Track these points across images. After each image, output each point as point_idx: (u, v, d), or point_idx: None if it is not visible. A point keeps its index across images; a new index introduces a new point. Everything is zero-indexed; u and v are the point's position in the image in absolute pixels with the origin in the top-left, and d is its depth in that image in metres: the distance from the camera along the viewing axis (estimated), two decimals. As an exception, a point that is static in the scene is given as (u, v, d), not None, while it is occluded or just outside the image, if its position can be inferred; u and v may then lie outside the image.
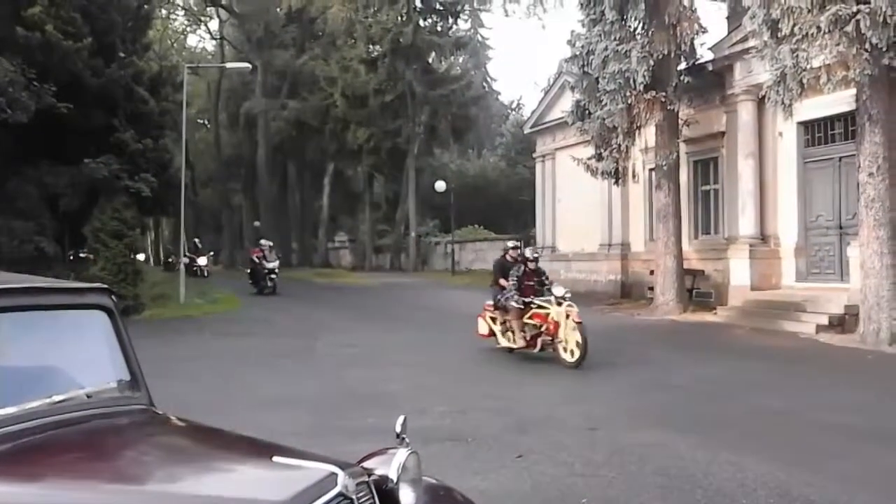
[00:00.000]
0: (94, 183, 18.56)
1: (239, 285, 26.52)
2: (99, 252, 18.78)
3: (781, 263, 16.60)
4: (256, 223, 46.88)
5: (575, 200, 23.90)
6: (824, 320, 13.55)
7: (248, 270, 26.63)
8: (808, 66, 12.12)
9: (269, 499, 2.04)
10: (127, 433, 2.74)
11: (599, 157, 18.07)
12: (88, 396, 2.79)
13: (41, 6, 17.81)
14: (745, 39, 15.71)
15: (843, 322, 13.38)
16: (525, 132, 30.03)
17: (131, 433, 2.75)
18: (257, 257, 25.21)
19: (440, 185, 35.55)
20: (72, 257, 20.83)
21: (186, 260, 29.73)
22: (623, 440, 6.56)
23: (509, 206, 43.03)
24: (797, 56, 12.11)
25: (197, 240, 41.89)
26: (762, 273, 16.44)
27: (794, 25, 11.93)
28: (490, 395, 8.72)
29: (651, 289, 18.48)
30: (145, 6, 23.16)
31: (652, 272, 18.38)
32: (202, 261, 35.58)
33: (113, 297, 3.04)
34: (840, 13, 11.29)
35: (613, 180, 18.79)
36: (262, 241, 26.91)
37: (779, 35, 12.37)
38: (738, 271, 16.60)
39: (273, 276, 24.48)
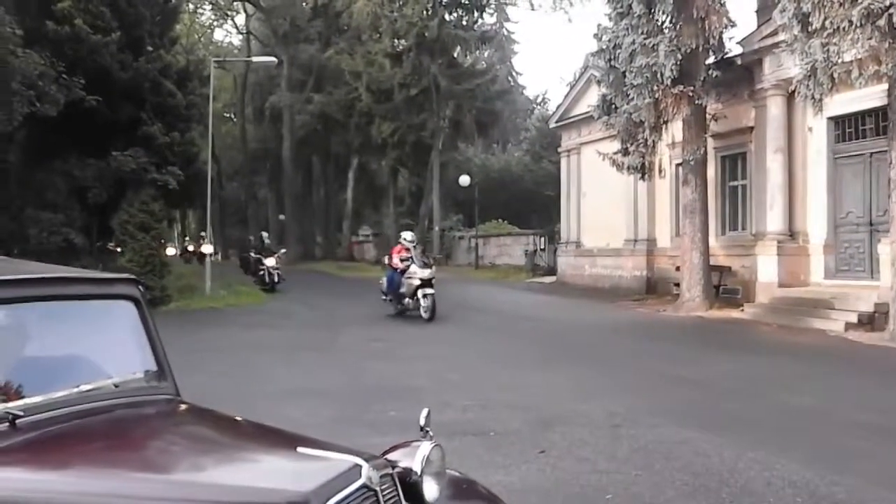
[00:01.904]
0: (122, 175, 18.79)
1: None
2: (126, 244, 18.98)
3: (810, 260, 16.39)
4: (281, 216, 47.15)
5: (600, 195, 23.78)
6: (853, 318, 13.37)
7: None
8: (839, 61, 11.94)
9: (293, 489, 2.04)
10: (153, 422, 2.76)
11: (625, 152, 17.94)
12: (115, 386, 2.81)
13: (70, 0, 18.01)
14: (774, 33, 15.51)
15: (873, 320, 13.19)
16: (550, 127, 29.92)
17: (157, 422, 2.77)
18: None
19: (464, 180, 35.51)
20: (99, 249, 21.06)
21: (251, 257, 27.27)
22: (647, 437, 6.50)
23: (533, 201, 42.89)
24: (828, 50, 11.93)
25: (265, 234, 32.71)
26: (790, 270, 16.25)
27: (826, 19, 11.76)
28: (510, 388, 8.69)
29: (677, 285, 18.35)
30: (173, 0, 23.34)
31: (678, 268, 18.25)
32: (271, 261, 24.44)
33: (140, 287, 3.06)
34: (872, 7, 11.10)
35: (639, 175, 18.65)
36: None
37: (809, 29, 12.20)
38: (766, 268, 16.42)
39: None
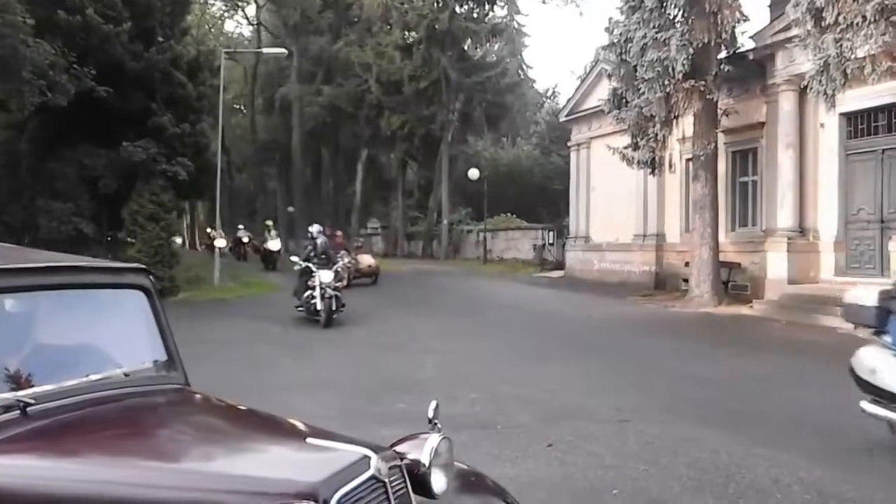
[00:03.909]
0: (132, 166, 18.85)
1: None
2: (136, 234, 19.08)
3: (820, 257, 16.30)
4: (290, 208, 47.23)
5: (609, 190, 23.71)
6: (863, 315, 13.27)
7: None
8: (853, 56, 11.85)
9: (303, 479, 2.05)
10: (163, 411, 2.78)
11: (636, 147, 17.86)
12: (125, 375, 2.83)
13: (82, -10, 18.04)
14: (787, 28, 15.40)
15: (883, 318, 13.10)
16: (560, 120, 29.80)
17: (167, 412, 2.78)
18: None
19: (473, 173, 35.48)
20: (109, 239, 21.16)
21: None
22: (654, 432, 6.50)
23: (543, 195, 42.79)
24: (841, 45, 11.84)
25: (269, 223, 36.73)
26: (800, 266, 16.16)
27: (839, 14, 11.68)
28: (517, 382, 8.68)
29: (686, 280, 18.28)
30: (184, -9, 23.35)
31: (687, 264, 18.18)
32: (327, 276, 14.47)
33: (151, 277, 3.07)
34: (886, 2, 11.02)
35: (649, 170, 18.57)
36: (269, 223, 32.97)
37: (822, 24, 12.11)
38: (776, 264, 16.34)
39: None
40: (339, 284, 15.21)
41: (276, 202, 51.50)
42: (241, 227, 40.15)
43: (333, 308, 13.92)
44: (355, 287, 21.15)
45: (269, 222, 33.42)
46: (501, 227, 38.17)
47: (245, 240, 36.59)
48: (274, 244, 30.26)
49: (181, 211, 42.24)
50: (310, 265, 14.49)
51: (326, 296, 13.82)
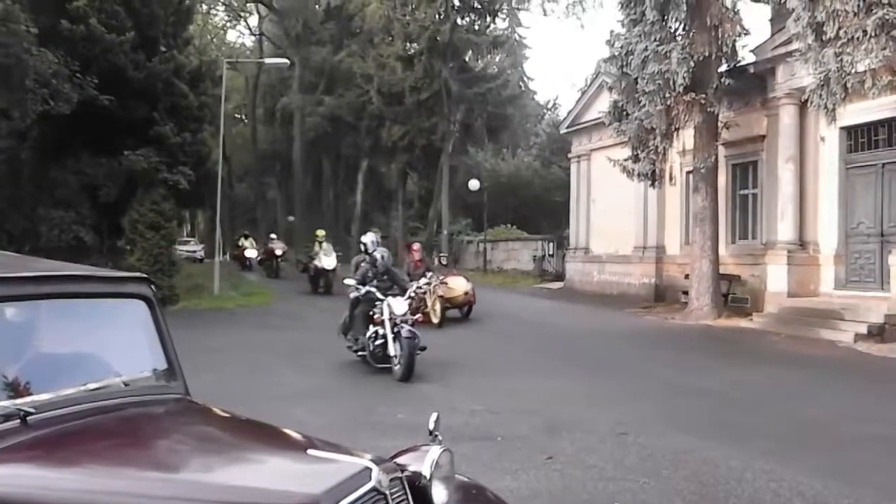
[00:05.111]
0: (133, 174, 18.88)
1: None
2: (136, 242, 19.07)
3: (820, 270, 16.30)
4: (290, 218, 47.24)
5: (610, 202, 23.73)
6: (863, 329, 13.27)
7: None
8: (853, 70, 11.90)
9: (304, 491, 2.04)
10: (163, 421, 2.77)
11: (636, 159, 17.89)
12: (126, 384, 2.83)
13: (85, -1, 18.14)
14: (788, 42, 15.45)
15: (883, 332, 13.09)
16: (561, 132, 29.89)
17: (167, 422, 2.78)
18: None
19: (474, 184, 35.51)
20: (109, 247, 21.16)
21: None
22: (655, 445, 6.48)
23: (543, 207, 42.81)
24: (842, 60, 11.89)
25: (273, 236, 33.89)
26: (800, 280, 16.16)
27: (840, 29, 11.73)
28: (517, 394, 8.66)
29: (685, 293, 18.27)
30: (187, 1, 23.45)
31: (687, 276, 18.18)
32: (400, 307, 10.20)
33: (152, 286, 3.07)
34: (887, 17, 11.08)
35: (650, 182, 18.59)
36: (272, 236, 30.45)
37: (823, 38, 12.17)
38: (776, 277, 16.34)
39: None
40: (417, 318, 11.09)
41: (277, 211, 51.54)
42: (273, 235, 34.49)
43: (414, 352, 9.64)
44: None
45: (321, 232, 25.11)
46: (501, 237, 38.19)
47: (279, 252, 30.46)
48: (329, 261, 22.94)
49: (181, 220, 42.17)
50: (371, 290, 10.26)
51: (404, 334, 9.58)
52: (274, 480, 2.18)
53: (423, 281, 14.96)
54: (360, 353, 10.42)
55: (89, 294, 2.91)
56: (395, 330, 9.71)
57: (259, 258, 32.61)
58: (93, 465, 2.31)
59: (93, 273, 3.08)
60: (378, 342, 9.98)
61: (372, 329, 10.12)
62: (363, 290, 10.35)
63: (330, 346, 11.52)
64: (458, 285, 16.29)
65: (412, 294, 11.29)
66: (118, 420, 2.61)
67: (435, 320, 15.05)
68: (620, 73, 17.53)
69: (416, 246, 17.77)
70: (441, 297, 15.48)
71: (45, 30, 16.66)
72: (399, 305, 9.97)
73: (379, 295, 10.13)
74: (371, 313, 10.21)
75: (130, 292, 3.01)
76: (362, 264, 11.27)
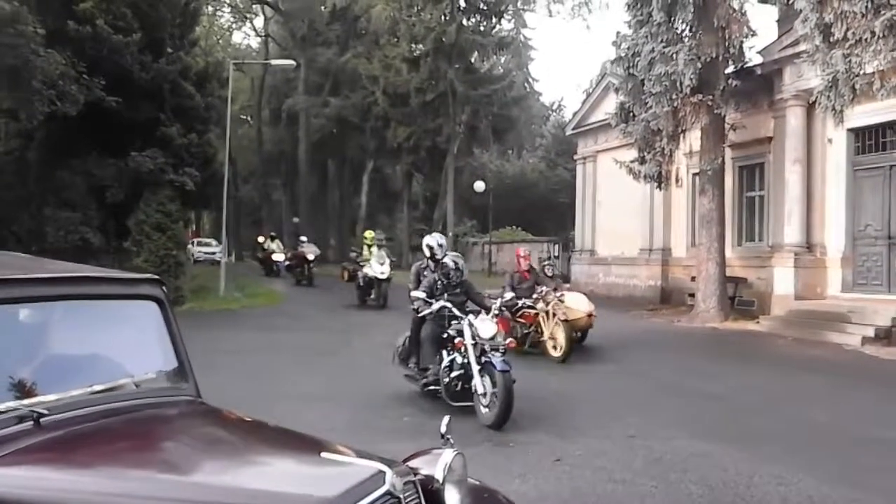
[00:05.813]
0: (140, 176, 18.91)
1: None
2: (142, 244, 19.09)
3: (827, 273, 16.26)
4: (296, 219, 47.27)
5: (616, 204, 23.69)
6: (870, 332, 13.22)
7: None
8: (861, 72, 11.85)
9: (318, 495, 2.04)
10: (174, 423, 2.77)
11: (642, 161, 17.85)
12: (137, 386, 2.83)
13: (93, 1, 18.16)
14: (795, 43, 15.41)
15: (890, 335, 13.05)
16: (567, 134, 29.84)
17: (179, 423, 2.77)
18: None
19: (479, 186, 35.51)
20: (115, 248, 21.19)
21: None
22: (663, 449, 6.46)
23: (548, 208, 42.83)
24: (850, 61, 11.85)
25: (273, 235, 32.87)
26: (807, 282, 16.12)
27: (848, 30, 11.69)
28: (523, 397, 8.63)
29: (692, 295, 18.23)
30: (193, 3, 23.49)
31: (693, 278, 18.13)
32: (487, 328, 7.85)
33: (164, 288, 3.07)
34: (895, 18, 11.02)
35: (656, 184, 18.54)
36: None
37: (831, 39, 12.12)
38: (782, 280, 16.30)
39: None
40: (509, 343, 8.10)
41: (282, 212, 51.61)
42: (303, 238, 30.40)
43: (510, 391, 7.20)
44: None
45: (371, 234, 21.92)
46: (507, 239, 38.18)
47: (311, 257, 26.65)
48: (382, 269, 19.69)
49: (187, 221, 42.08)
50: (447, 304, 8.06)
51: (497, 366, 7.34)
52: (288, 483, 2.18)
53: (549, 300, 11.75)
54: (429, 386, 8.19)
55: (102, 295, 2.91)
56: (483, 359, 7.50)
57: (287, 263, 29.70)
58: (105, 467, 2.31)
59: (106, 274, 3.08)
60: (456, 373, 7.76)
61: (447, 357, 7.89)
62: (436, 305, 8.09)
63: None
64: (580, 304, 12.30)
65: (496, 312, 8.27)
66: (130, 422, 2.61)
67: (556, 354, 11.40)
68: (627, 75, 17.50)
69: (523, 251, 13.27)
70: (565, 321, 11.45)
71: (52, 31, 16.69)
72: (486, 327, 7.69)
73: (457, 312, 7.95)
74: (444, 335, 8.07)
75: (143, 294, 3.02)
76: (426, 272, 9.34)
